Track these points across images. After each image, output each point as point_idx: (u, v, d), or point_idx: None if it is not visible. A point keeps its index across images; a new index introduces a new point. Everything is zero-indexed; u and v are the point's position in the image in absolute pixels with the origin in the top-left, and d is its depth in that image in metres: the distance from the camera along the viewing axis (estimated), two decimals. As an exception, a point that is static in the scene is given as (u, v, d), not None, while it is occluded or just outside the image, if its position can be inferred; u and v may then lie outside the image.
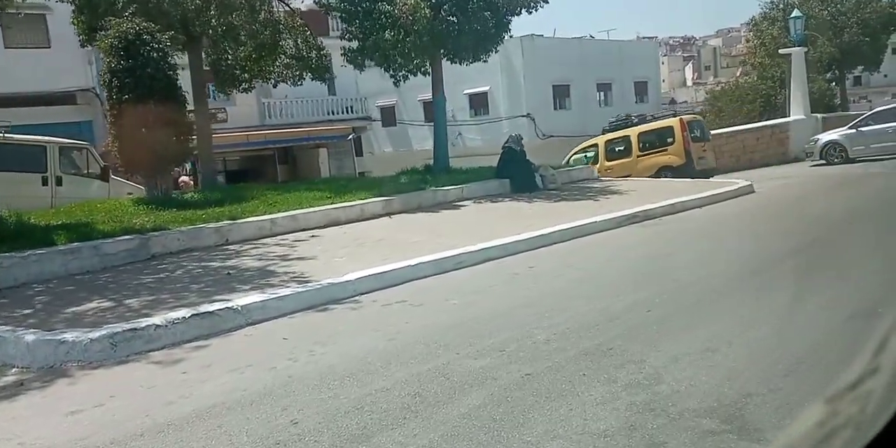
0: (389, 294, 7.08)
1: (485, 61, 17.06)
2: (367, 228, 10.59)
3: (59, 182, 14.77)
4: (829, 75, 29.46)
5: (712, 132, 24.30)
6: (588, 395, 4.07)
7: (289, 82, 16.75)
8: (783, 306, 5.75)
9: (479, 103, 34.84)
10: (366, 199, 11.91)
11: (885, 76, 67.59)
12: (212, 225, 9.51)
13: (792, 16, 23.97)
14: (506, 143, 15.63)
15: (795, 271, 6.97)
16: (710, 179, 16.17)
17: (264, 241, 9.64)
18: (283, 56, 15.70)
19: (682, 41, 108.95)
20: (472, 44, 15.29)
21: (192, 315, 5.93)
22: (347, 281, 7.12)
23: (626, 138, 19.24)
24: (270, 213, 10.46)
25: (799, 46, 24.18)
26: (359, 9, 14.88)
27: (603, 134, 20.52)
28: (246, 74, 16.19)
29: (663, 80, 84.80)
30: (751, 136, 24.21)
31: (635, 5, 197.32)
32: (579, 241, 9.72)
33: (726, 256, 7.92)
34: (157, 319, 5.81)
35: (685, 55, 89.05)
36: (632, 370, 4.43)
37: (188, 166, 21.64)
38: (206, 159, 16.15)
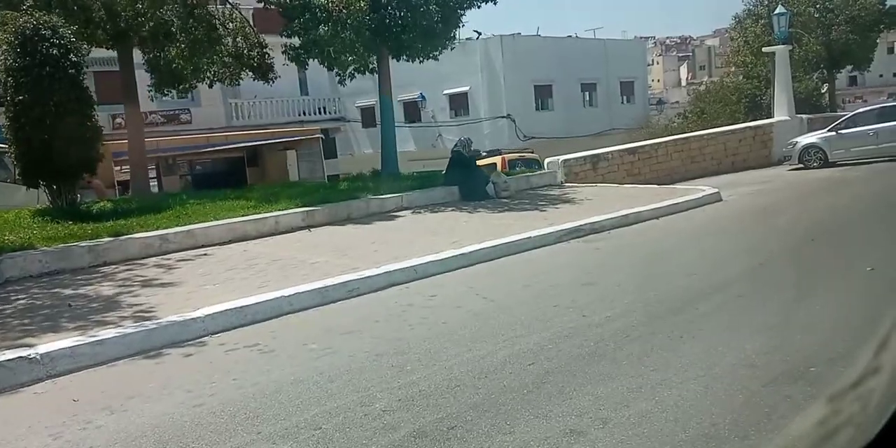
0: (246, 334, 5.89)
1: (436, 59, 15.83)
2: (275, 245, 9.40)
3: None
4: (816, 75, 28.20)
5: (692, 134, 23.16)
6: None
7: (226, 82, 15.54)
8: (699, 360, 4.56)
9: (459, 104, 33.66)
10: (284, 210, 10.72)
11: (881, 76, 66.51)
12: (84, 243, 8.32)
13: (776, 12, 22.72)
14: (454, 146, 14.44)
15: (729, 308, 5.77)
16: (677, 186, 14.96)
17: (147, 260, 8.47)
18: (220, 54, 14.49)
19: (678, 41, 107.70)
20: (420, 40, 14.10)
21: (-31, 368, 4.75)
22: (195, 318, 5.93)
23: None
24: (164, 228, 9.27)
25: (783, 44, 22.92)
26: (296, 2, 13.69)
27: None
28: (185, 73, 15.01)
29: (658, 80, 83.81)
30: (733, 137, 22.95)
31: (633, 6, 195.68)
32: (505, 260, 8.53)
33: (656, 284, 6.71)
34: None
35: (680, 55, 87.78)
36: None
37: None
38: (136, 164, 14.98)
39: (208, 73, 14.87)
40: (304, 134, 25.33)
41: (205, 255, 8.73)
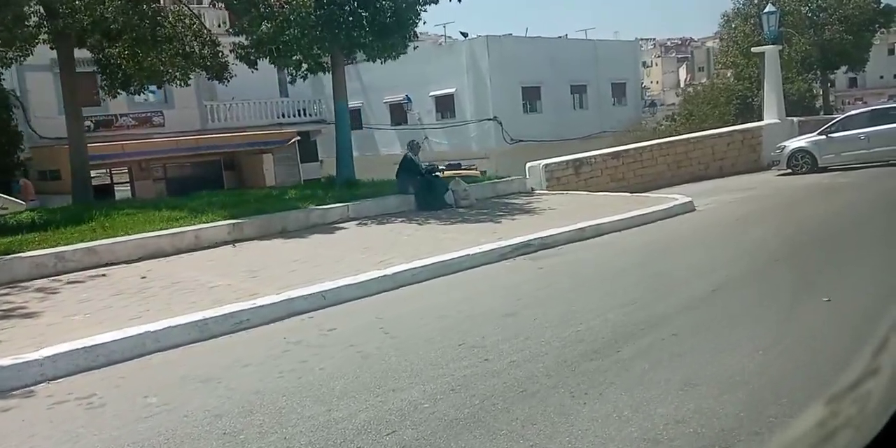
0: (90, 380, 4.97)
1: (394, 58, 14.89)
2: (185, 264, 8.47)
3: None
4: (810, 75, 27.13)
5: (678, 137, 22.17)
6: None
7: (176, 83, 14.63)
8: (593, 430, 3.63)
9: (445, 106, 32.70)
10: (209, 223, 9.78)
11: (881, 77, 65.44)
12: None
13: (765, 11, 21.73)
14: (408, 151, 13.50)
15: (655, 354, 4.82)
16: (650, 194, 14.00)
17: (33, 283, 7.56)
18: (167, 53, 13.58)
19: (679, 43, 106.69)
20: (374, 37, 13.15)
21: None
22: (32, 361, 5.01)
23: None
24: (66, 244, 8.35)
25: (773, 44, 21.92)
26: (242, -2, 12.79)
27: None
28: (141, 73, 14.10)
29: (656, 82, 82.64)
30: (720, 141, 21.96)
31: (634, 8, 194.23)
32: (435, 283, 7.59)
33: (585, 317, 5.76)
34: None
35: (680, 56, 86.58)
36: None
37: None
38: (77, 170, 14.07)
39: (158, 73, 13.95)
40: (281, 137, 24.40)
41: (102, 275, 7.81)
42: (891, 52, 61.70)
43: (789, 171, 19.27)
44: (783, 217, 10.94)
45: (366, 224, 11.05)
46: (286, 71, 14.09)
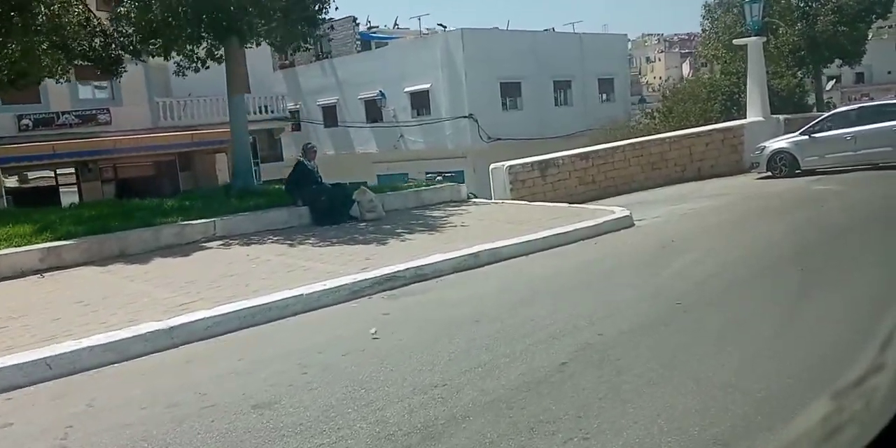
0: None
1: (304, 48, 12.98)
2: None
3: None
4: (800, 71, 24.84)
5: (652, 137, 20.09)
6: None
7: (58, 79, 12.76)
8: None
9: (420, 102, 30.72)
10: (22, 245, 7.93)
11: (889, 73, 62.70)
12: None
13: (748, 0, 19.56)
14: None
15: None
16: (588, 205, 12.01)
17: None
18: (38, 44, 11.70)
19: (686, 38, 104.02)
20: (271, 23, 11.26)
21: None
22: None
23: None
24: None
25: (756, 36, 19.77)
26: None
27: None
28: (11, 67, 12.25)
29: (659, 77, 79.96)
30: (698, 141, 19.86)
31: (641, 3, 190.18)
32: (231, 338, 5.68)
33: (364, 413, 3.84)
34: None
35: (684, 51, 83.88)
36: None
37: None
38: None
39: (35, 67, 12.08)
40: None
41: None
42: (897, 46, 58.98)
43: (770, 174, 17.26)
44: (731, 237, 8.91)
45: (230, 245, 9.13)
46: (171, 60, 12.17)
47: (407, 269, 7.35)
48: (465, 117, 29.05)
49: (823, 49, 23.95)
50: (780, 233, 8.89)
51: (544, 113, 31.00)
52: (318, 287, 6.66)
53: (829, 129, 16.44)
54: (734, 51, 22.24)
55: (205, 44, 11.68)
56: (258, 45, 13.04)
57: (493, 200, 13.23)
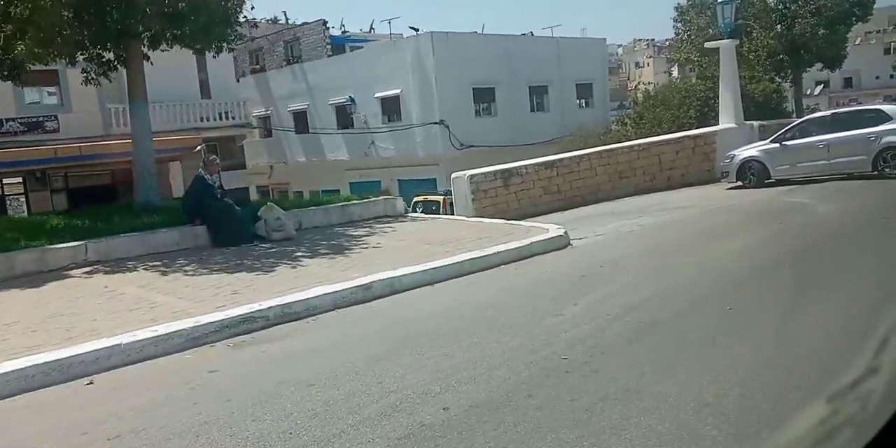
0: None
1: (226, 50, 11.81)
2: None
3: None
4: (778, 76, 23.53)
5: (620, 145, 18.89)
6: None
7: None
8: None
9: (391, 108, 29.51)
10: None
11: (877, 78, 61.63)
12: None
13: (720, 1, 18.39)
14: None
15: None
16: (524, 223, 10.78)
17: None
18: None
19: (673, 42, 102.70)
20: (173, 25, 10.08)
21: None
22: None
23: None
24: None
25: (729, 38, 18.62)
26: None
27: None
28: None
29: (648, 82, 78.41)
30: (668, 149, 18.66)
31: (634, 9, 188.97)
32: (25, 400, 4.48)
33: None
34: None
35: (670, 56, 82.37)
36: None
37: None
38: None
39: None
40: (182, 143, 21.29)
41: None
42: (887, 51, 57.98)
43: (740, 183, 16.09)
44: (667, 262, 7.68)
45: (93, 273, 7.90)
46: (83, 71, 11.00)
47: (270, 307, 6.14)
48: (436, 124, 27.83)
49: (803, 52, 22.74)
50: (723, 257, 7.67)
51: (519, 119, 29.82)
52: (146, 334, 5.44)
53: (801, 136, 15.31)
54: (710, 55, 21.06)
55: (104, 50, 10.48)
56: (171, 48, 11.83)
57: (432, 216, 12.01)
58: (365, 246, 8.99)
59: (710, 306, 5.61)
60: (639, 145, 18.75)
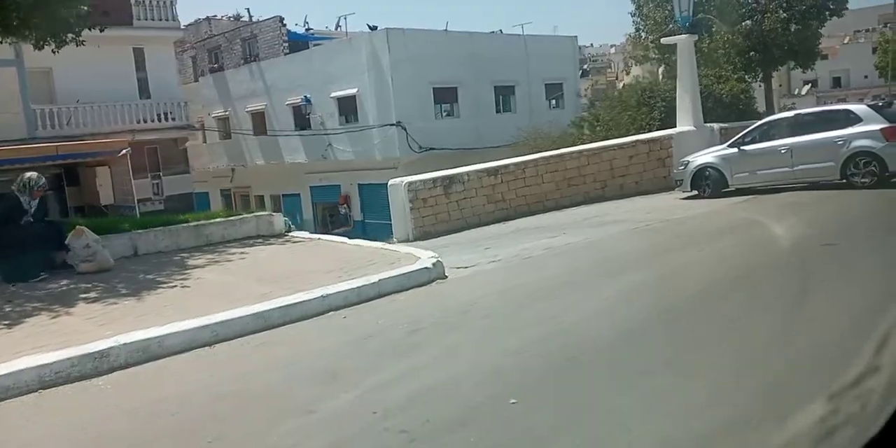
0: None
1: (79, 43, 9.96)
2: None
3: None
4: (751, 74, 21.56)
5: (568, 150, 17.00)
6: None
7: None
8: None
9: (348, 108, 27.64)
10: None
11: (866, 77, 59.58)
12: None
13: (677, -8, 16.50)
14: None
15: None
16: (400, 248, 8.89)
17: None
18: None
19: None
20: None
21: None
22: None
23: None
24: None
25: (687, 33, 16.74)
26: None
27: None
28: None
29: (622, 84, 76.14)
30: (621, 154, 16.83)
31: (624, 6, 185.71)
32: None
33: None
34: None
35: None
36: None
37: None
38: None
39: None
40: (106, 147, 19.44)
41: None
42: (874, 50, 55.94)
43: (695, 192, 14.23)
44: (518, 316, 5.75)
45: None
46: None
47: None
48: (392, 125, 25.97)
49: (774, 50, 20.79)
50: (592, 310, 5.74)
51: (484, 121, 27.92)
52: None
53: (762, 140, 13.44)
54: (672, 52, 19.19)
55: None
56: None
57: (312, 237, 10.13)
58: (181, 282, 7.13)
59: (533, 400, 3.77)
60: (588, 150, 16.94)
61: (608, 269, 7.25)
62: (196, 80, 33.19)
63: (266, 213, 10.18)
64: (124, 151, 19.49)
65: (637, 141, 17.14)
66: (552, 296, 6.14)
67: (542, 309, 5.71)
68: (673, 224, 10.58)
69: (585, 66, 56.40)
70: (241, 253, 8.64)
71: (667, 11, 19.54)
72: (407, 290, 6.81)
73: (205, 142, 33.26)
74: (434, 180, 15.47)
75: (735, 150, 13.76)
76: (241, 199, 33.82)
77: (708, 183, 14.00)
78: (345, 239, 9.60)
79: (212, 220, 9.46)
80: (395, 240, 15.72)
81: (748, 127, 17.53)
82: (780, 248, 7.52)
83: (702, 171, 14.15)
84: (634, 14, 22.25)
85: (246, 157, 31.60)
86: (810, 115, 14.11)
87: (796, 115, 14.19)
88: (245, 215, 9.84)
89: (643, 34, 22.44)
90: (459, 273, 7.68)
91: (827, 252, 6.93)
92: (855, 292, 5.19)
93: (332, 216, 29.98)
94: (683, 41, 17.02)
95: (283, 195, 31.41)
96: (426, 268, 7.21)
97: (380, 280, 6.72)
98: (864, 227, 8.64)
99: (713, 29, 19.68)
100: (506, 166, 16.28)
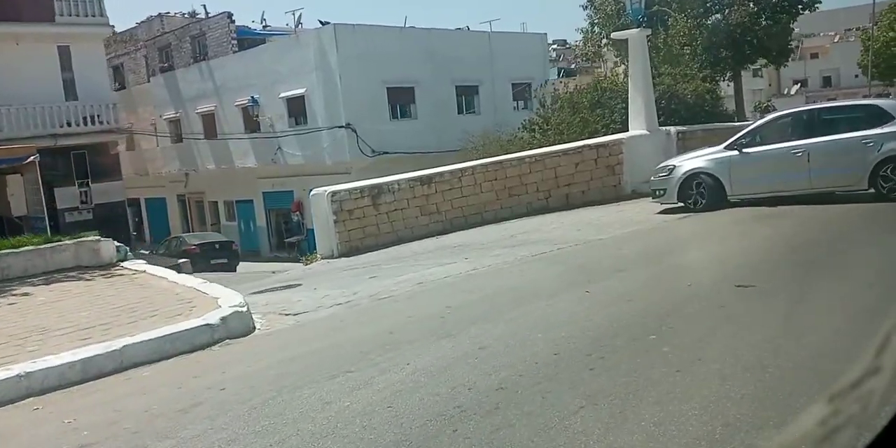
0: None
1: None
2: None
3: None
4: (722, 72, 19.57)
5: (508, 156, 15.13)
6: None
7: None
8: None
9: (297, 110, 25.79)
10: None
11: (856, 76, 57.58)
12: None
13: (628, -19, 14.62)
14: None
15: None
16: (211, 291, 7.02)
17: None
18: None
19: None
20: None
21: None
22: None
23: None
24: None
25: (638, 28, 14.87)
26: None
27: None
28: None
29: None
30: (566, 160, 14.94)
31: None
32: None
33: None
34: None
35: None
36: None
37: None
38: None
39: None
40: (10, 154, 17.55)
41: None
42: (867, 49, 53.88)
43: (680, 204, 11.62)
44: (280, 399, 3.99)
45: None
46: None
47: None
48: (341, 127, 24.11)
49: (745, 46, 18.85)
50: (376, 395, 3.97)
51: (445, 122, 26.00)
52: None
53: (768, 140, 11.11)
54: (620, 48, 17.29)
55: None
56: None
57: (137, 270, 8.25)
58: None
59: None
60: (530, 157, 15.08)
61: (441, 325, 5.37)
62: (148, 81, 31.36)
63: (92, 238, 8.24)
64: (32, 158, 17.59)
65: (584, 146, 15.28)
66: (315, 381, 4.25)
67: (320, 390, 3.85)
68: (590, 248, 8.72)
69: (572, 65, 54.36)
70: (21, 294, 6.78)
71: (620, 3, 17.65)
72: (169, 358, 4.96)
73: (157, 145, 31.45)
74: (361, 190, 13.78)
75: (735, 152, 11.20)
76: (195, 205, 32.01)
77: (702, 193, 11.50)
78: (170, 273, 7.73)
79: (18, 249, 7.58)
80: (319, 256, 13.97)
81: (709, 131, 15.68)
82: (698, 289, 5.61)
83: (692, 178, 11.55)
84: (586, 6, 20.32)
85: (197, 162, 29.76)
86: (828, 110, 11.81)
87: (811, 110, 11.94)
88: (64, 242, 7.95)
89: (596, 29, 20.51)
90: (279, 323, 5.87)
91: (740, 294, 5.05)
92: None
93: (286, 223, 28.20)
94: (635, 36, 15.15)
95: (236, 201, 29.63)
96: (208, 325, 5.35)
97: (123, 347, 4.86)
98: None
99: (669, 22, 17.80)
100: (440, 174, 14.53)
